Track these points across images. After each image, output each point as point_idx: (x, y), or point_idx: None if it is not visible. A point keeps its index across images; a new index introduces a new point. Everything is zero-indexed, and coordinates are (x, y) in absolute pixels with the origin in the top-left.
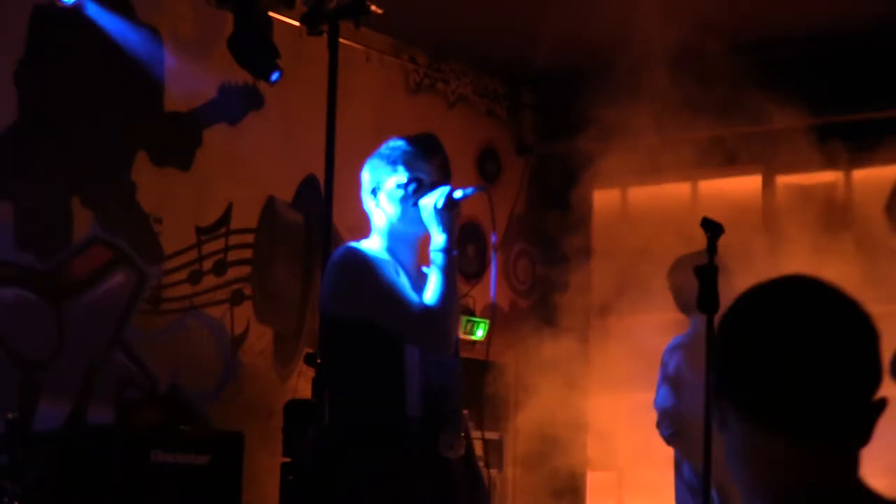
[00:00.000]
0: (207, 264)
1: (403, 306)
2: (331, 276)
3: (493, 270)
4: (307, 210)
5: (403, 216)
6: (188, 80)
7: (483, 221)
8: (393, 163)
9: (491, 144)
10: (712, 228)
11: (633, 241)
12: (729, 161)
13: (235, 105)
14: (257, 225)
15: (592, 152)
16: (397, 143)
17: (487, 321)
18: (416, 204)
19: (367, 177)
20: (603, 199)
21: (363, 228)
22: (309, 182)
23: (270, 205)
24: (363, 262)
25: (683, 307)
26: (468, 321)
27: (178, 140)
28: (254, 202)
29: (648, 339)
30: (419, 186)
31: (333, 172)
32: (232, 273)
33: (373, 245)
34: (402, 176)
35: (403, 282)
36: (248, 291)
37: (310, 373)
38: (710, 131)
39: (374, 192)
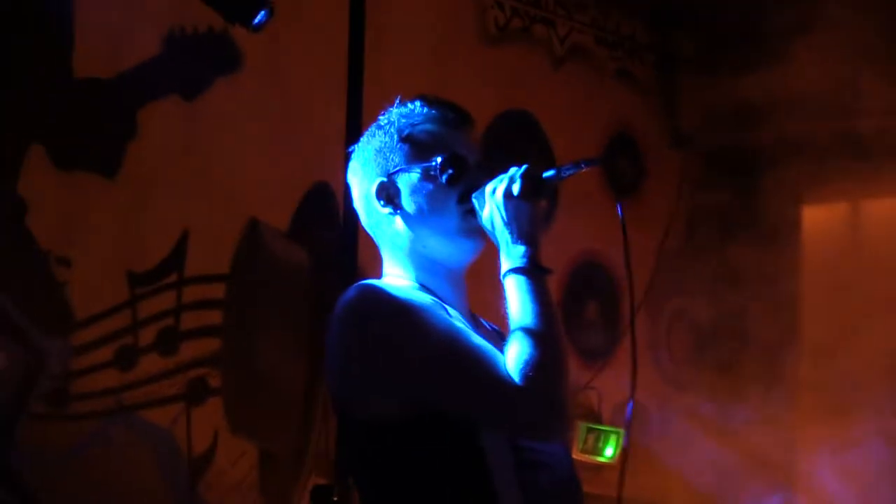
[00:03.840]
0: (147, 336)
1: (484, 370)
2: (340, 339)
3: (631, 344)
4: (314, 241)
5: (440, 224)
6: (112, 25)
7: (608, 257)
8: (409, 138)
9: (625, 129)
10: None
11: (877, 293)
12: None
13: (192, 66)
14: (231, 268)
15: (800, 144)
16: (406, 109)
17: (621, 432)
18: (465, 199)
19: (362, 171)
20: (819, 218)
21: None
22: (317, 195)
23: (252, 234)
24: (396, 306)
25: None
26: (590, 430)
27: (96, 127)
28: (224, 230)
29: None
30: (463, 170)
31: None
32: (188, 351)
33: (394, 279)
34: (430, 156)
35: (464, 326)
36: (214, 382)
37: None
38: None
39: (379, 193)
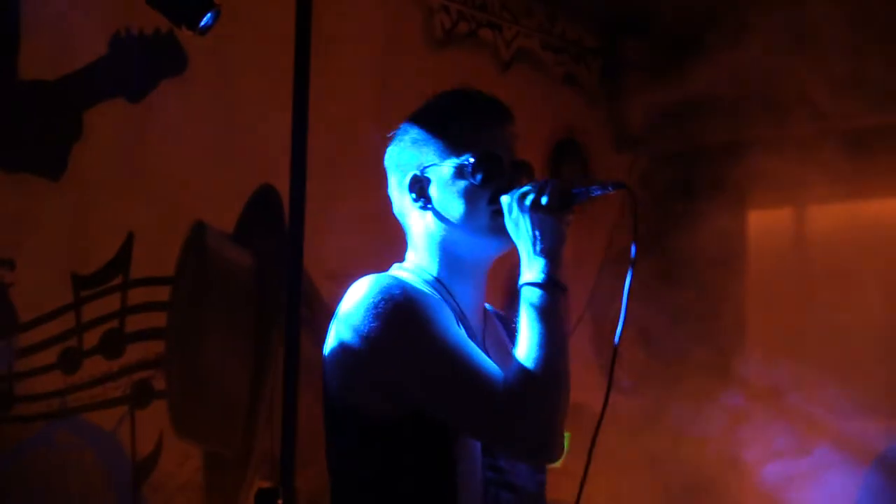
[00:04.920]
0: (91, 339)
1: (481, 383)
2: (345, 330)
3: (609, 377)
4: (259, 244)
5: (469, 222)
6: (58, 27)
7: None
8: (444, 133)
9: (571, 133)
10: None
11: (821, 296)
12: None
13: (138, 68)
14: (176, 271)
15: (746, 147)
16: (447, 101)
17: (568, 435)
18: (495, 200)
19: (397, 161)
20: (765, 224)
21: (355, 275)
22: (262, 197)
23: (198, 236)
24: (417, 309)
25: None
26: None
27: (40, 128)
28: (169, 232)
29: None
30: (497, 170)
31: (305, 180)
32: (133, 353)
33: (412, 275)
34: (465, 153)
35: (467, 338)
36: (159, 384)
37: None
38: None
39: (412, 186)
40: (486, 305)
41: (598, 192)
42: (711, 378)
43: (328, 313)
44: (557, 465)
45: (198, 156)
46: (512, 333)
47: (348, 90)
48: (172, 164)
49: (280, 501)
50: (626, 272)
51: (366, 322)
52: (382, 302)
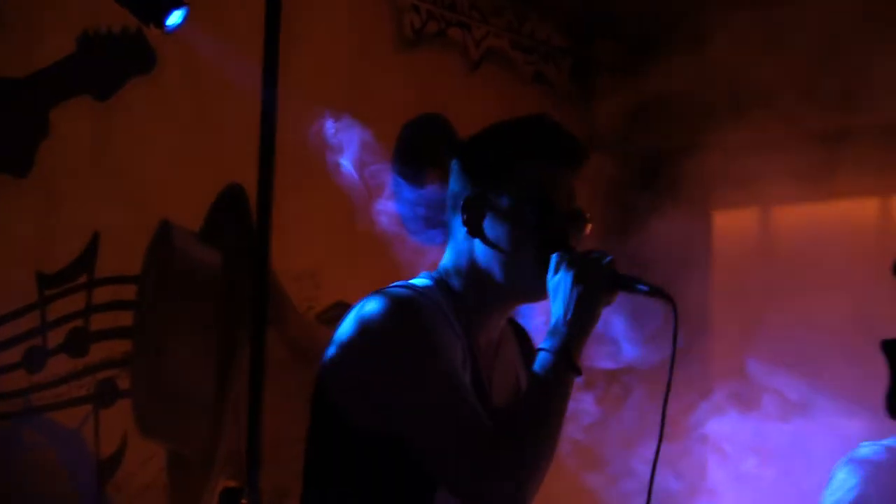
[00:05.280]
0: (56, 337)
1: (462, 429)
2: (354, 342)
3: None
4: (226, 243)
5: (511, 263)
6: (26, 24)
7: None
8: (513, 163)
9: None
10: None
11: (786, 297)
12: None
13: (105, 67)
14: (142, 270)
15: (714, 148)
16: (525, 127)
17: None
18: (543, 248)
19: (461, 172)
20: (732, 225)
21: (319, 274)
22: (229, 196)
23: (164, 235)
24: (427, 336)
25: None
26: None
27: (7, 126)
28: (136, 231)
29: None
30: (552, 218)
31: (273, 180)
32: (98, 352)
33: (436, 290)
34: (527, 190)
35: (465, 381)
36: (124, 384)
37: None
38: None
39: (467, 206)
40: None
41: (644, 291)
42: (675, 376)
43: (294, 313)
44: None
45: (165, 154)
46: (528, 354)
47: (317, 90)
48: (139, 162)
49: (244, 501)
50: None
51: (375, 334)
52: (396, 320)
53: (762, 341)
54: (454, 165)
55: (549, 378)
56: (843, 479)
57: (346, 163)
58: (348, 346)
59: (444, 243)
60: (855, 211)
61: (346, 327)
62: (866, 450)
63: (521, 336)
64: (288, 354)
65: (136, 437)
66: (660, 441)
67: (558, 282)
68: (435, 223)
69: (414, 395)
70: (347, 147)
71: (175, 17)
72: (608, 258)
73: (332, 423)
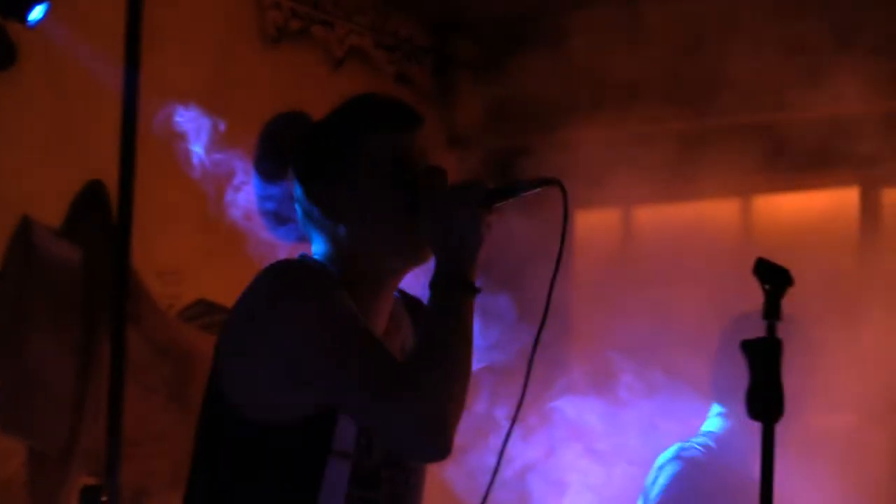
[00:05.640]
0: None
1: (381, 359)
2: (249, 311)
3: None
4: (88, 240)
5: (381, 233)
6: None
7: None
8: (355, 141)
9: None
10: (773, 277)
11: (645, 295)
12: (809, 166)
13: None
14: (2, 266)
15: (575, 146)
16: (357, 107)
17: None
18: (413, 208)
19: (306, 166)
20: (593, 224)
21: (181, 271)
22: (90, 193)
23: (24, 232)
24: (326, 287)
25: (719, 396)
26: None
27: None
28: None
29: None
30: (410, 178)
31: (134, 177)
32: None
33: (321, 265)
34: (377, 162)
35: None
36: None
37: None
38: (777, 113)
39: (322, 195)
40: (396, 294)
41: (524, 188)
42: (540, 376)
43: (156, 310)
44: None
45: (25, 150)
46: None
47: (180, 86)
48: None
49: (104, 499)
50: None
51: (274, 292)
52: (292, 275)
53: (620, 334)
54: (293, 172)
55: (445, 300)
56: (665, 475)
57: (198, 150)
58: (247, 313)
59: (298, 241)
60: (711, 211)
61: (243, 298)
62: (684, 448)
63: (415, 308)
64: (149, 352)
65: None
66: (522, 396)
67: (434, 220)
68: (285, 220)
69: (321, 339)
70: (197, 136)
71: (37, 13)
72: (475, 180)
73: (229, 407)
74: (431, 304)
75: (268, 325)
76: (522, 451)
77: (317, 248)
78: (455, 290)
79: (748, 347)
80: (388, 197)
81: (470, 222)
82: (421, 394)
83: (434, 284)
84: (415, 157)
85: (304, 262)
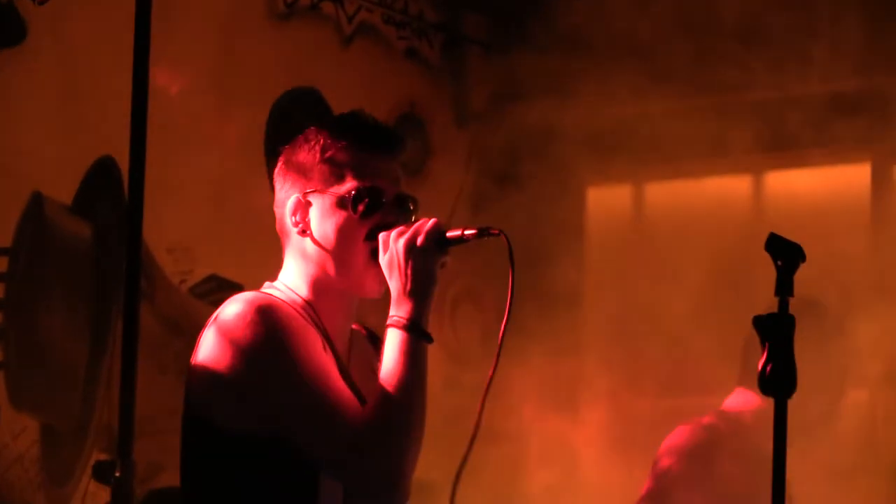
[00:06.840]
0: None
1: (336, 415)
2: (217, 347)
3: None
4: (99, 216)
5: (345, 255)
6: None
7: None
8: (329, 159)
9: (412, 108)
10: (785, 252)
11: (654, 271)
12: (819, 141)
13: None
14: (13, 242)
15: (586, 123)
16: (338, 126)
17: None
18: (371, 236)
19: (282, 181)
20: (605, 200)
21: (193, 247)
22: (102, 169)
23: (36, 208)
24: (286, 333)
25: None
26: None
27: None
28: (7, 203)
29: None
30: (377, 205)
31: (145, 153)
32: None
33: (283, 296)
34: (348, 183)
35: (332, 369)
36: None
37: (103, 494)
38: (795, 89)
39: (294, 210)
40: (354, 327)
41: (472, 236)
42: (551, 353)
43: (168, 286)
44: None
45: (36, 126)
46: (381, 355)
47: (190, 62)
48: (10, 134)
49: (117, 473)
50: (505, 309)
51: (238, 338)
52: (256, 321)
53: (636, 319)
54: (275, 181)
55: (407, 350)
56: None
57: None
58: (213, 355)
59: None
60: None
61: (208, 338)
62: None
63: (375, 339)
64: (160, 328)
65: (7, 410)
66: (493, 372)
67: (390, 257)
68: None
69: (283, 391)
70: None
71: None
72: (431, 221)
73: (206, 432)
74: (391, 352)
75: (234, 381)
76: None
77: (286, 261)
78: (417, 339)
79: (760, 323)
80: (351, 221)
81: (428, 271)
82: (382, 453)
83: (392, 329)
84: (388, 182)
85: (268, 298)
